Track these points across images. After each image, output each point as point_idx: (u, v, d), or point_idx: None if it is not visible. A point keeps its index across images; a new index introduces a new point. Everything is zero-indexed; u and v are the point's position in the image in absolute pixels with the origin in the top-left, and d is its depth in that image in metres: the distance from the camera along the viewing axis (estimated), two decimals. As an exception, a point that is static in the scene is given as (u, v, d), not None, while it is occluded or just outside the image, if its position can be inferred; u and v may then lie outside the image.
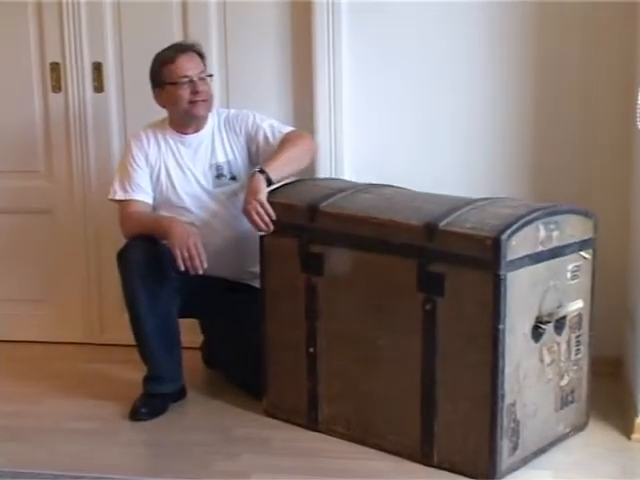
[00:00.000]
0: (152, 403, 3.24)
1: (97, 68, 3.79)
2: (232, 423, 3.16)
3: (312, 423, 3.08)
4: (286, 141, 3.22)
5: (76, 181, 3.87)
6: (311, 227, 2.98)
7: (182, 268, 3.07)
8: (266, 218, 3.01)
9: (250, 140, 3.33)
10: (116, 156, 3.81)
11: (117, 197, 3.32)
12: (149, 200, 3.31)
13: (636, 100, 2.88)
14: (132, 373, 3.60)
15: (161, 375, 3.25)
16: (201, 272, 3.09)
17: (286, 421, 3.13)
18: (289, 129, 3.32)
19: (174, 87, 3.23)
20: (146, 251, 3.14)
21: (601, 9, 3.28)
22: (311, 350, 3.03)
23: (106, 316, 3.94)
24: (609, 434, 3.03)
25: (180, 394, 3.33)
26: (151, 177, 3.32)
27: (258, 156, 3.32)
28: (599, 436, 3.02)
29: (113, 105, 3.82)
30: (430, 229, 2.73)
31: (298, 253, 3.01)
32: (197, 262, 3.07)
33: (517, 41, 3.36)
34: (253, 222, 3.02)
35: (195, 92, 3.23)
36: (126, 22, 3.75)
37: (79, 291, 3.95)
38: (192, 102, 3.24)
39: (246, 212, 3.03)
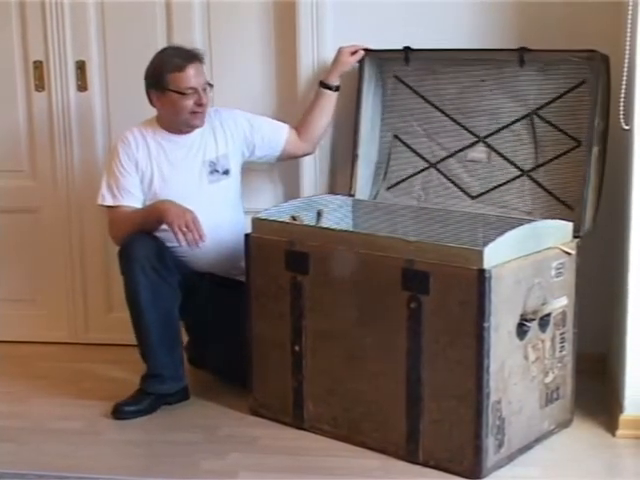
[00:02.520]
0: (141, 399, 3.22)
1: (80, 67, 3.77)
2: (218, 422, 3.16)
3: (298, 421, 3.08)
4: (304, 120, 3.49)
5: (60, 180, 3.85)
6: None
7: (183, 244, 3.11)
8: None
9: (252, 132, 3.40)
10: (100, 155, 3.81)
11: (106, 203, 3.29)
12: (138, 205, 3.29)
13: (619, 99, 2.90)
14: (117, 372, 3.61)
15: (162, 374, 3.23)
16: (201, 245, 3.12)
17: (272, 420, 3.14)
18: (286, 124, 3.47)
19: (178, 96, 3.21)
20: (149, 247, 3.15)
21: (586, 8, 3.29)
22: (296, 348, 3.03)
23: (91, 316, 3.94)
24: (594, 431, 3.04)
25: (183, 395, 3.32)
26: (142, 182, 3.30)
27: (259, 150, 3.43)
28: (584, 433, 3.03)
29: (97, 104, 3.81)
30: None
31: (283, 251, 3.01)
32: (197, 235, 3.10)
33: (501, 41, 3.36)
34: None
35: (199, 104, 3.23)
36: (110, 20, 3.73)
37: (64, 291, 3.93)
38: (193, 112, 3.24)
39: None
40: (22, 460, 2.93)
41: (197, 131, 3.34)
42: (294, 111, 3.56)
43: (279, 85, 3.65)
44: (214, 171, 3.34)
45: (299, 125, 3.47)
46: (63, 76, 3.78)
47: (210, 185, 3.33)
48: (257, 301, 3.11)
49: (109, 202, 3.29)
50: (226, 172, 3.36)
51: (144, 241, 3.16)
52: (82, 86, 3.79)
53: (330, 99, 3.43)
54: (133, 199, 3.28)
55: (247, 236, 3.11)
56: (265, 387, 3.15)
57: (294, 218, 3.25)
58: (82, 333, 3.96)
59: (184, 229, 3.10)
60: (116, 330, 3.88)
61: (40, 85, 3.81)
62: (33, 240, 3.95)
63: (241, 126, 3.40)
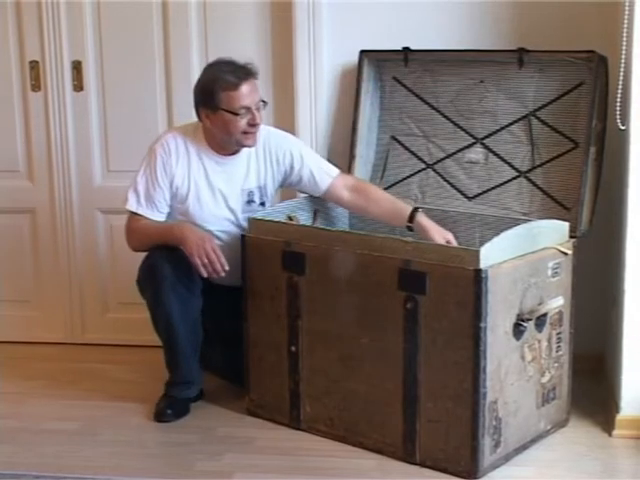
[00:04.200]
0: (177, 405, 3.21)
1: (76, 67, 3.77)
2: (215, 423, 3.16)
3: (295, 422, 3.08)
4: (375, 191, 3.28)
5: (56, 180, 3.85)
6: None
7: (205, 275, 3.05)
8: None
9: (291, 172, 3.25)
10: (96, 154, 3.82)
11: (128, 207, 3.18)
12: (161, 219, 3.19)
13: (615, 99, 2.91)
14: (114, 372, 3.61)
15: (191, 380, 3.23)
16: (223, 274, 3.06)
17: (269, 420, 3.14)
18: (337, 171, 3.28)
19: (231, 116, 3.05)
20: (174, 262, 3.06)
21: (585, 9, 3.29)
22: (293, 349, 3.03)
23: (87, 316, 3.93)
24: (590, 431, 3.04)
25: (200, 395, 3.32)
26: (174, 196, 3.18)
27: (295, 187, 3.33)
28: (580, 433, 3.03)
29: (93, 104, 3.80)
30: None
31: (280, 252, 3.01)
32: (218, 266, 3.04)
33: (500, 41, 3.36)
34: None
35: (253, 124, 3.07)
36: (106, 20, 3.73)
37: (60, 291, 3.92)
38: (246, 133, 3.08)
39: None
40: (19, 461, 2.92)
41: (243, 155, 3.20)
42: (290, 112, 3.57)
43: (275, 86, 3.65)
44: (251, 201, 3.23)
45: (363, 189, 3.27)
46: (59, 76, 3.77)
47: (244, 214, 3.21)
48: (253, 302, 3.11)
49: (131, 207, 3.17)
50: (262, 204, 3.26)
51: (169, 257, 3.07)
52: (78, 86, 3.79)
53: (397, 223, 3.21)
54: (157, 213, 3.17)
55: (243, 237, 3.10)
56: (262, 388, 3.15)
57: (290, 218, 3.25)
58: (78, 333, 3.95)
59: (205, 260, 3.03)
60: (112, 330, 3.89)
61: (36, 85, 3.81)
62: (29, 241, 3.94)
63: (289, 158, 3.24)
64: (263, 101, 3.14)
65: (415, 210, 3.16)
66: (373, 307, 2.85)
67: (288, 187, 3.37)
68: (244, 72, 3.07)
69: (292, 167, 3.25)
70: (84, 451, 2.99)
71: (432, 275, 2.71)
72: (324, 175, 3.26)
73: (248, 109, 3.06)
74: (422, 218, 3.14)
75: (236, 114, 3.05)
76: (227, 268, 3.06)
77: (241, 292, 3.15)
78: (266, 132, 3.24)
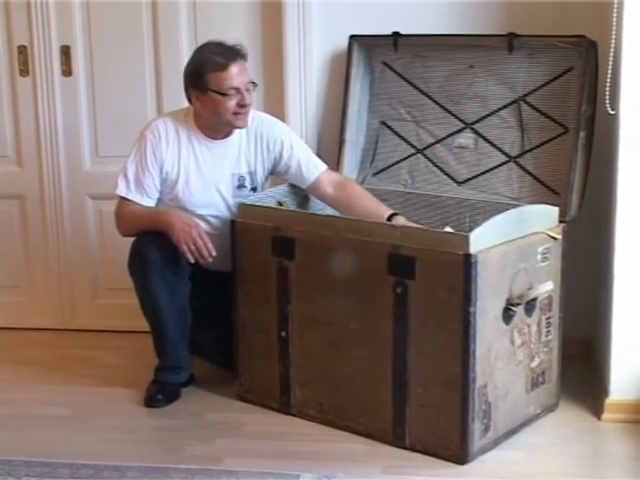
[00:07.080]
0: (167, 390, 3.22)
1: (65, 52, 3.75)
2: (205, 408, 3.16)
3: (285, 407, 3.08)
4: (359, 190, 3.25)
5: (45, 166, 3.83)
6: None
7: (192, 261, 3.05)
8: None
9: (280, 160, 3.24)
10: (85, 140, 3.81)
11: (118, 192, 3.18)
12: (150, 204, 3.19)
13: (605, 83, 2.91)
14: (104, 358, 3.61)
15: (180, 365, 3.24)
16: (211, 260, 3.06)
17: (259, 405, 3.14)
18: (324, 166, 3.26)
19: (220, 97, 3.04)
20: (161, 247, 3.06)
21: (573, 7, 3.30)
22: (283, 334, 3.03)
23: (77, 302, 3.92)
24: (580, 415, 3.05)
25: (191, 380, 3.33)
26: (164, 182, 3.18)
27: (282, 176, 3.31)
28: (570, 417, 3.04)
29: (82, 89, 3.78)
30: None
31: (270, 237, 3.00)
32: (205, 252, 3.04)
33: (490, 26, 3.36)
34: None
35: (242, 105, 3.06)
36: (94, 5, 3.71)
37: (50, 277, 3.92)
38: (236, 113, 3.08)
39: None
40: (8, 446, 2.92)
41: (234, 140, 3.20)
42: (279, 97, 3.56)
43: (265, 70, 3.63)
44: (242, 186, 3.23)
45: (347, 186, 3.25)
46: (48, 61, 3.75)
47: (235, 199, 3.21)
48: (243, 287, 3.11)
49: (121, 192, 3.17)
50: (254, 189, 3.25)
51: (157, 242, 3.07)
52: (67, 71, 3.77)
53: (379, 218, 3.08)
54: (146, 198, 3.17)
55: (233, 222, 3.10)
56: (252, 373, 3.15)
57: (280, 203, 3.25)
58: (68, 319, 3.94)
59: (192, 247, 3.03)
60: (102, 316, 3.88)
61: (24, 70, 3.79)
62: (18, 226, 3.93)
63: (279, 146, 3.23)
64: (253, 82, 3.13)
65: (395, 214, 3.11)
66: (363, 292, 2.85)
67: (276, 176, 3.36)
68: (232, 53, 3.08)
69: (281, 155, 3.24)
70: (74, 437, 2.99)
71: (422, 260, 2.71)
72: (312, 168, 3.25)
73: (237, 90, 3.06)
74: (401, 217, 3.10)
75: (225, 95, 3.05)
76: (214, 254, 3.06)
77: (231, 277, 3.15)
78: (258, 117, 3.24)
